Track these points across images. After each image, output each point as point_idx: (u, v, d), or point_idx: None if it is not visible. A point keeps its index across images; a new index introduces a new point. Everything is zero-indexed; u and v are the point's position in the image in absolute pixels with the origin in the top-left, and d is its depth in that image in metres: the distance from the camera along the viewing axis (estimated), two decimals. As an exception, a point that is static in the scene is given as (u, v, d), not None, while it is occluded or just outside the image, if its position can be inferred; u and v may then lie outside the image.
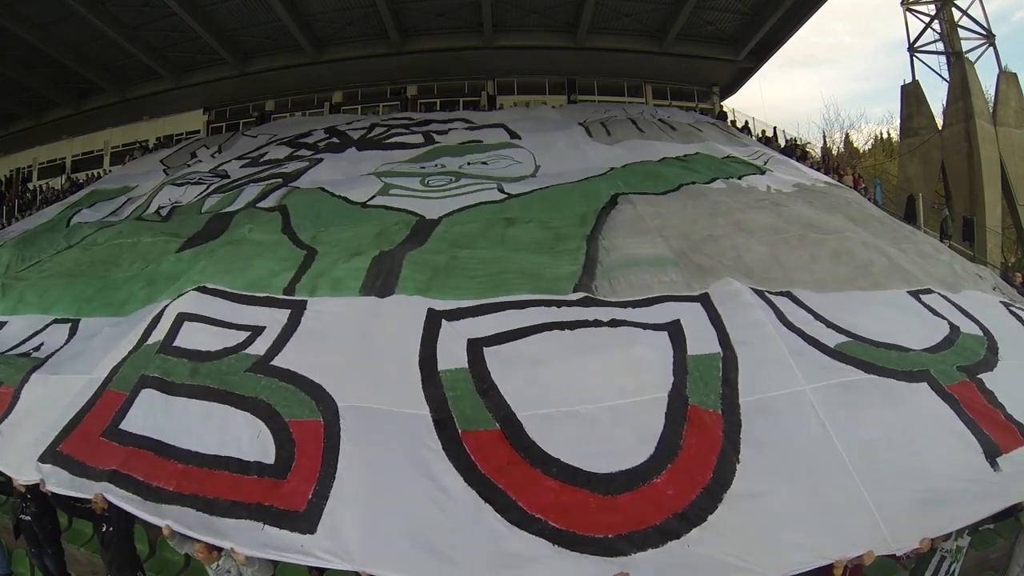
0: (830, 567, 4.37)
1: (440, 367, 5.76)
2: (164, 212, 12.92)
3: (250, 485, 4.85)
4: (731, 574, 4.16)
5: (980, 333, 6.52)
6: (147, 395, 5.81)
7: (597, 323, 6.19)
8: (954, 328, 6.49)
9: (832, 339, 6.00)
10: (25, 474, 5.42)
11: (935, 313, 6.85)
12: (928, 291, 7.33)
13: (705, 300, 6.56)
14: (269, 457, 5.06)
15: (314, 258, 8.47)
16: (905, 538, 4.28)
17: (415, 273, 7.34)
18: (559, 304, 6.55)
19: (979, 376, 5.71)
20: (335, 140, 15.67)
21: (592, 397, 5.31)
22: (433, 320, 6.42)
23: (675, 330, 6.05)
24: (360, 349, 6.14)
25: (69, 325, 8.12)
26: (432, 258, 7.87)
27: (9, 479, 5.64)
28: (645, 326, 6.18)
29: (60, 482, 5.21)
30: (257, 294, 7.25)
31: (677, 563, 4.27)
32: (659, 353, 5.74)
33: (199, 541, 4.59)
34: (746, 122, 20.04)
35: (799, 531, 4.34)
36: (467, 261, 7.77)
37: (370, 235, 9.25)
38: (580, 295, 6.78)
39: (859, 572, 4.54)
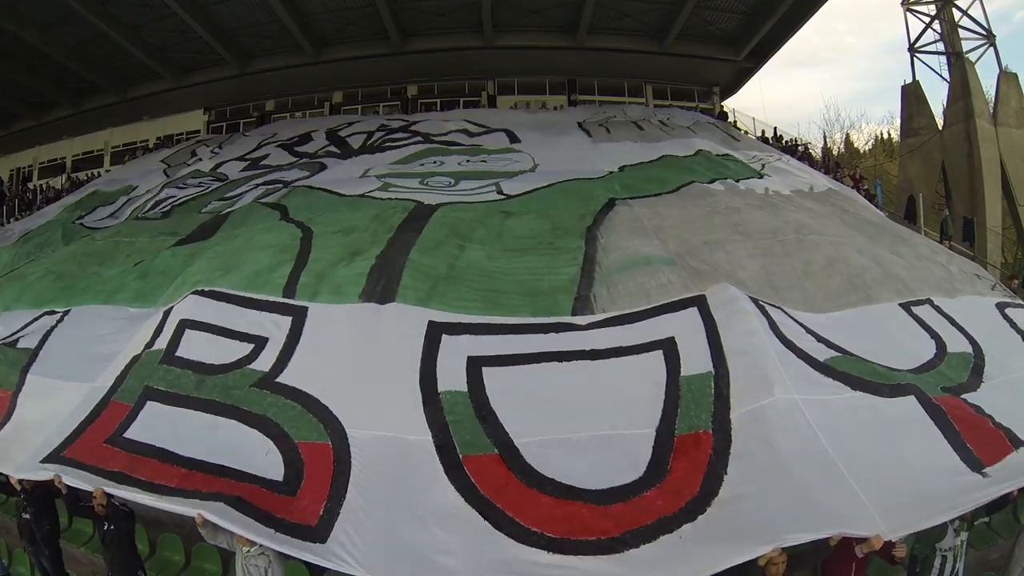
0: (841, 558, 4.44)
1: (440, 388, 5.84)
2: (163, 210, 12.93)
3: (257, 492, 4.94)
4: (724, 558, 4.20)
5: (968, 350, 6.57)
6: (152, 407, 5.86)
7: (594, 354, 6.24)
8: (941, 347, 6.56)
9: (822, 353, 6.06)
10: (23, 473, 5.43)
11: (925, 328, 6.90)
12: (920, 302, 7.37)
13: (701, 304, 6.58)
14: (278, 475, 5.16)
15: (311, 242, 8.42)
16: (900, 528, 4.31)
17: (416, 282, 7.35)
18: (557, 329, 6.61)
19: (962, 396, 5.79)
20: (336, 149, 15.65)
21: (585, 426, 5.46)
22: (433, 334, 6.46)
23: (670, 348, 6.11)
24: (362, 364, 6.18)
25: (58, 315, 8.12)
26: (432, 263, 7.86)
27: (7, 478, 5.65)
28: (639, 348, 6.24)
29: (64, 476, 5.21)
30: (257, 296, 7.23)
31: (670, 555, 4.38)
32: (651, 384, 5.81)
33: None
34: (767, 131, 19.93)
35: (792, 517, 4.38)
36: (467, 272, 7.77)
37: (367, 217, 9.21)
38: (577, 319, 6.82)
39: (864, 565, 4.57)
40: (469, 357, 6.16)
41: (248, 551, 4.70)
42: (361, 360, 6.22)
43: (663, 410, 5.54)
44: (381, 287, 7.25)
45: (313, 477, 5.10)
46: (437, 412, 5.62)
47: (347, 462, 5.19)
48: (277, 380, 6.05)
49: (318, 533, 4.61)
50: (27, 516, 5.85)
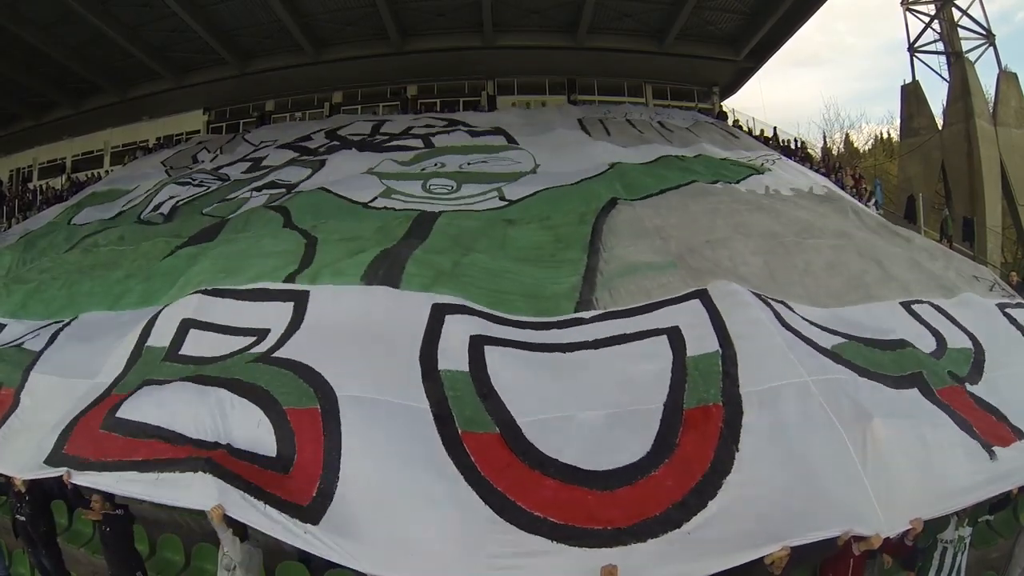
0: (839, 556, 4.44)
1: (441, 366, 5.77)
2: (165, 211, 12.97)
3: (248, 469, 4.84)
4: (732, 554, 4.16)
5: (968, 346, 6.60)
6: (145, 388, 5.79)
7: (596, 343, 6.20)
8: (941, 343, 6.58)
9: (827, 341, 6.06)
10: (28, 473, 5.42)
11: (925, 325, 6.93)
12: (919, 302, 7.40)
13: (704, 296, 6.58)
14: (271, 450, 5.04)
15: (315, 248, 8.45)
16: (898, 521, 4.33)
17: (420, 271, 7.37)
18: (560, 326, 6.60)
19: (966, 385, 5.82)
20: (336, 144, 15.70)
21: (588, 405, 5.39)
22: (437, 314, 6.42)
23: (674, 334, 6.08)
24: (361, 338, 6.13)
25: (65, 322, 8.14)
26: (436, 259, 7.87)
27: (8, 478, 5.65)
28: (644, 334, 6.21)
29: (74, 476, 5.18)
30: (258, 285, 7.24)
31: (678, 551, 4.30)
32: (657, 365, 5.75)
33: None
34: (766, 131, 19.93)
35: (799, 513, 4.36)
36: (470, 269, 7.78)
37: (371, 228, 9.26)
38: (579, 316, 6.79)
39: (862, 563, 4.59)
40: (472, 336, 6.11)
41: (242, 545, 4.69)
42: (359, 336, 6.16)
43: (670, 386, 5.48)
44: (383, 272, 7.25)
45: (304, 450, 4.96)
46: (436, 386, 5.53)
47: (338, 432, 5.01)
48: (274, 355, 6.00)
49: (309, 515, 4.49)
50: (22, 518, 5.84)
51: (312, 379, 5.51)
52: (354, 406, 5.22)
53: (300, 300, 6.86)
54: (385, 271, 7.28)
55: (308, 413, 5.18)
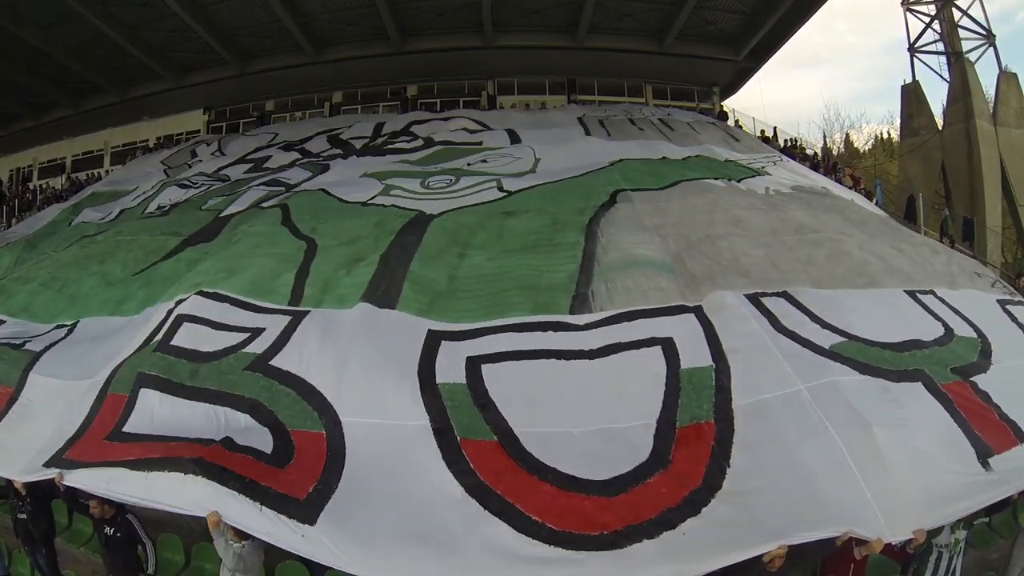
0: (839, 558, 4.43)
1: (438, 380, 5.82)
2: (164, 209, 12.98)
3: (242, 460, 4.89)
4: (728, 553, 4.16)
5: (974, 335, 6.55)
6: (147, 396, 5.83)
7: (592, 353, 6.22)
8: (948, 330, 6.53)
9: (827, 340, 6.03)
10: (27, 476, 5.44)
11: (930, 313, 6.89)
12: (924, 292, 7.37)
13: (699, 312, 6.61)
14: (267, 448, 5.13)
15: (314, 253, 8.46)
16: (901, 528, 4.30)
17: (416, 294, 7.37)
18: (556, 328, 6.61)
19: (973, 379, 5.74)
20: (338, 151, 15.70)
21: (584, 421, 5.41)
22: (432, 339, 6.48)
23: (668, 345, 6.11)
24: (359, 355, 6.17)
25: (67, 327, 8.17)
26: (432, 276, 7.85)
27: (8, 481, 5.65)
28: (639, 344, 6.23)
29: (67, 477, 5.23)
30: (259, 303, 7.26)
31: (672, 551, 4.30)
32: (650, 377, 5.78)
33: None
34: (767, 131, 19.97)
35: (796, 515, 4.36)
36: (466, 280, 7.77)
37: (369, 225, 9.27)
38: (575, 318, 6.82)
39: (863, 566, 4.58)
40: (468, 357, 6.15)
41: (241, 545, 4.69)
42: (358, 351, 6.20)
43: (663, 401, 5.49)
44: (381, 293, 7.30)
45: (304, 457, 5.02)
46: (435, 398, 5.57)
47: (342, 453, 5.09)
48: (271, 363, 6.01)
49: (306, 511, 4.49)
50: (23, 516, 5.86)
51: (314, 400, 5.58)
52: (357, 430, 5.30)
53: (298, 316, 6.91)
54: (383, 291, 7.32)
55: (313, 436, 5.27)
